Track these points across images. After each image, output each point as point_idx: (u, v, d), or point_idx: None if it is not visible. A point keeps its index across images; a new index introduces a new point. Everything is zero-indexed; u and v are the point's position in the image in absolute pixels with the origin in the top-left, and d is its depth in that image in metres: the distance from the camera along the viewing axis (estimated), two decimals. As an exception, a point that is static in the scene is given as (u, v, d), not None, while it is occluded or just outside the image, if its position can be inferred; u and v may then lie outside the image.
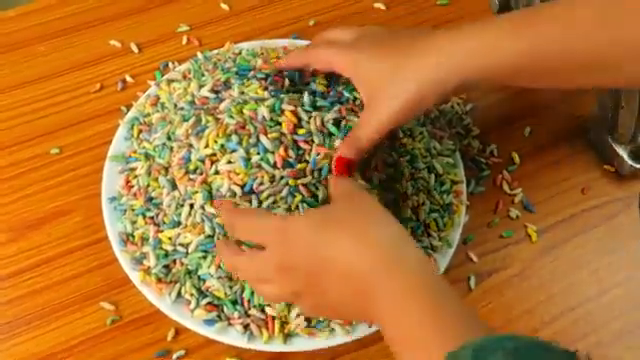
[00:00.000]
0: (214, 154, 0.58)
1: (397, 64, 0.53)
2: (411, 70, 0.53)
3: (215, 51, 0.73)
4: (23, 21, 0.81)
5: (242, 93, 0.61)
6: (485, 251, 0.68)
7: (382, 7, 0.84)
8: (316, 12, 0.83)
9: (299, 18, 0.83)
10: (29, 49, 0.79)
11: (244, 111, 0.59)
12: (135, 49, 0.79)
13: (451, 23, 0.83)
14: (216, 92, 0.62)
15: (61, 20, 0.81)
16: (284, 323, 0.59)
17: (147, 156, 0.64)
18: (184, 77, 0.70)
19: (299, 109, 0.59)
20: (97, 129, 0.73)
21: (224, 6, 0.83)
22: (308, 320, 0.59)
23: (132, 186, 0.64)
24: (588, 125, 0.75)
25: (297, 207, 0.56)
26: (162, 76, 0.73)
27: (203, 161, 0.58)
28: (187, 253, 0.59)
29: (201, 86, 0.63)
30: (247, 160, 0.57)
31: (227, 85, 0.62)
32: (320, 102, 0.60)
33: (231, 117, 0.58)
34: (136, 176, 0.64)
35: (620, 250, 0.68)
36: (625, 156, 0.72)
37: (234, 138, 0.57)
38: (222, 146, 0.58)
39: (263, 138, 0.57)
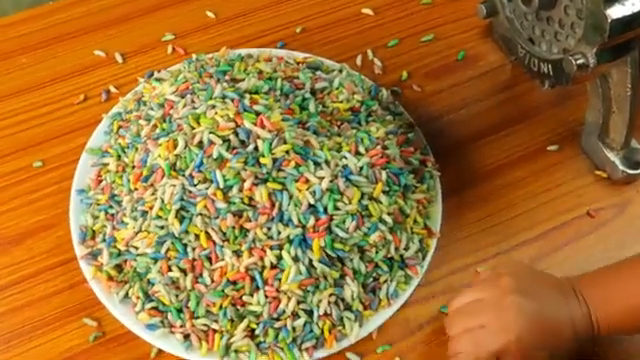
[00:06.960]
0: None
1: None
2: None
3: (210, 54, 0.72)
4: (4, 33, 0.79)
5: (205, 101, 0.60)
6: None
7: (370, 12, 0.83)
8: (303, 19, 0.82)
9: (286, 25, 0.82)
10: (11, 61, 0.77)
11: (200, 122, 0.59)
12: (119, 59, 0.78)
13: (441, 28, 0.82)
14: (182, 96, 0.62)
15: (43, 31, 0.80)
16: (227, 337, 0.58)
17: (119, 153, 0.64)
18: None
19: None
20: (81, 141, 0.72)
21: (210, 14, 0.82)
22: (252, 337, 0.58)
23: (101, 181, 0.64)
24: (580, 131, 0.73)
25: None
26: (146, 86, 0.72)
27: (154, 171, 0.58)
28: (138, 255, 0.59)
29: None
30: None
31: (192, 91, 0.62)
32: None
33: (184, 134, 0.58)
34: (108, 171, 0.64)
35: (613, 257, 0.67)
36: (617, 162, 0.70)
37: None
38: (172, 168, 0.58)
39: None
